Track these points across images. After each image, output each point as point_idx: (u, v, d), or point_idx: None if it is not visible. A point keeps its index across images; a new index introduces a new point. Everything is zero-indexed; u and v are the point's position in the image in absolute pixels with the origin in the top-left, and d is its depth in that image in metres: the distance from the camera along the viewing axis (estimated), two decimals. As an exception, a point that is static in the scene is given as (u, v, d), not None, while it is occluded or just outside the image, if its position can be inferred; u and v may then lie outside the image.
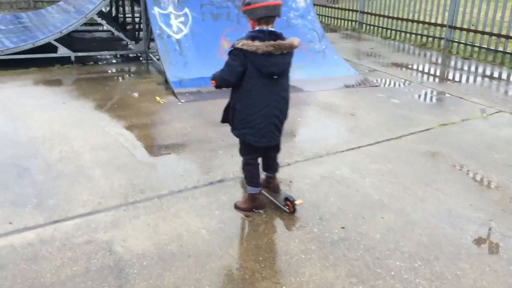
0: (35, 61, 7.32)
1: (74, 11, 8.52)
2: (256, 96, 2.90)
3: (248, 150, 3.17)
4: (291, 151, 4.42)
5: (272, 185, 3.44)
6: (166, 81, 6.46)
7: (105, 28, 8.45)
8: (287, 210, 3.31)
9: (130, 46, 8.23)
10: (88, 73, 7.12)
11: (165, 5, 6.76)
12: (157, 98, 5.84)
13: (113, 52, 8.22)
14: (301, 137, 4.82)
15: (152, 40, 7.20)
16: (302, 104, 5.96)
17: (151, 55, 7.90)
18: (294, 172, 3.99)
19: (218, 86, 3.04)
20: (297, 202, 3.27)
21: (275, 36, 2.83)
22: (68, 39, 7.92)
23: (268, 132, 3.01)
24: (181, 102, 5.72)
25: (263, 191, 3.47)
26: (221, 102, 5.62)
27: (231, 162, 4.12)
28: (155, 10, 6.75)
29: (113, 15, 11.04)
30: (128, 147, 4.38)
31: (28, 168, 3.89)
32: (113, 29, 8.05)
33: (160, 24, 6.67)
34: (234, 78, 2.90)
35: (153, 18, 6.73)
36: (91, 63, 7.63)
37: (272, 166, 3.36)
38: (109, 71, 7.31)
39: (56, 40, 7.30)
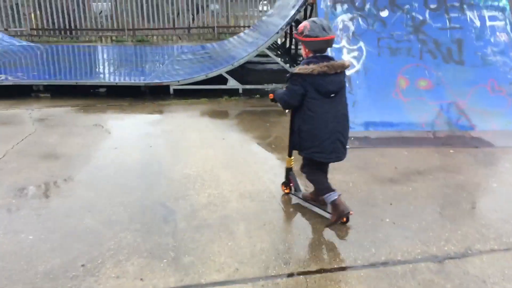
0: (207, 91, 7.52)
1: (251, 43, 8.63)
2: (319, 114, 3.13)
3: (313, 168, 3.43)
4: (484, 232, 3.33)
5: (321, 198, 3.47)
6: (330, 121, 5.88)
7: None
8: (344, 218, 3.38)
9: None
10: (253, 106, 6.98)
11: (339, 39, 6.21)
12: (319, 141, 5.27)
13: (279, 85, 8.00)
14: (497, 213, 3.66)
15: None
16: (495, 163, 4.71)
17: (318, 91, 7.45)
18: (489, 266, 2.93)
19: (273, 100, 3.45)
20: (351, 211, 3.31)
21: (327, 58, 3.13)
22: (240, 71, 8.00)
23: (335, 148, 3.21)
24: (345, 148, 5.03)
25: (312, 203, 3.66)
26: (393, 152, 4.72)
27: (400, 236, 3.26)
28: (327, 44, 6.26)
29: (287, 46, 11.03)
30: (278, 199, 3.87)
31: (174, 211, 3.65)
32: (279, 61, 7.86)
33: (330, 59, 6.15)
34: (296, 101, 3.19)
35: (324, 52, 6.26)
36: (258, 96, 7.52)
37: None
38: (273, 106, 7.06)
39: (227, 72, 7.38)
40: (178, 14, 16.57)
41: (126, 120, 6.24)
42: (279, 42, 11.10)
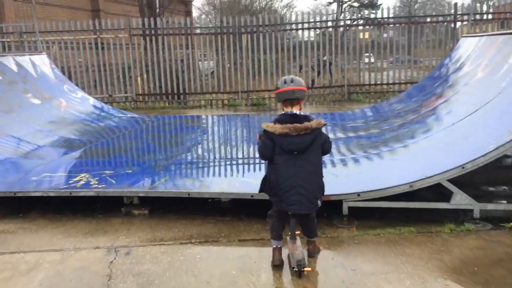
0: (405, 211, 4.27)
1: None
2: (281, 169, 3.29)
3: (277, 212, 3.46)
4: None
5: (307, 248, 3.56)
6: None
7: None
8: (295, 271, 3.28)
9: None
10: (520, 254, 3.50)
11: None
12: None
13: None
14: None
15: None
16: None
17: None
18: None
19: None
20: (306, 269, 3.27)
21: (296, 118, 3.29)
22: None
23: (295, 201, 3.27)
24: None
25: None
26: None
27: None
28: None
29: None
30: None
31: None
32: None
33: None
34: (268, 154, 3.35)
35: None
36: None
37: (306, 231, 3.55)
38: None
39: (450, 179, 4.04)
40: (300, 69, 13.87)
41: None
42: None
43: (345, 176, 4.81)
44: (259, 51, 13.34)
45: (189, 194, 4.53)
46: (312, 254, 3.56)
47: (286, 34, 14.28)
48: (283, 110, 3.40)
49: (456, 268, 3.33)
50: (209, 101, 13.62)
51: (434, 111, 6.32)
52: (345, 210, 4.24)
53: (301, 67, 14.07)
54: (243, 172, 5.36)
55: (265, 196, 4.19)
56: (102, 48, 13.37)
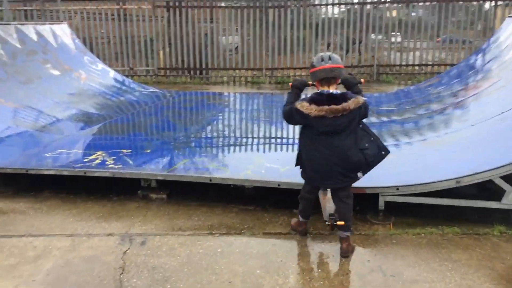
0: (447, 208, 3.85)
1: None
2: (317, 149, 3.14)
3: (307, 190, 3.43)
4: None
5: (340, 247, 3.25)
6: None
7: None
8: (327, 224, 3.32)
9: None
10: None
11: None
12: None
13: None
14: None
15: None
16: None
17: None
18: None
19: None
20: (339, 222, 3.18)
21: (333, 98, 3.02)
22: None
23: (331, 177, 3.15)
24: None
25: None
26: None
27: None
28: None
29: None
30: None
31: None
32: None
33: None
34: (291, 123, 3.29)
35: None
36: None
37: (339, 206, 3.27)
38: None
39: (503, 176, 3.60)
40: (328, 47, 13.27)
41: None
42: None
43: (380, 166, 4.38)
44: (286, 27, 12.78)
45: (210, 180, 4.20)
46: (346, 253, 3.24)
47: (315, 10, 13.65)
48: (318, 89, 3.17)
49: (511, 279, 2.93)
50: (232, 78, 13.20)
51: (478, 97, 5.79)
52: (381, 205, 3.84)
53: (329, 45, 13.46)
54: (270, 158, 4.98)
55: (292, 186, 3.89)
56: (125, 20, 12.99)
